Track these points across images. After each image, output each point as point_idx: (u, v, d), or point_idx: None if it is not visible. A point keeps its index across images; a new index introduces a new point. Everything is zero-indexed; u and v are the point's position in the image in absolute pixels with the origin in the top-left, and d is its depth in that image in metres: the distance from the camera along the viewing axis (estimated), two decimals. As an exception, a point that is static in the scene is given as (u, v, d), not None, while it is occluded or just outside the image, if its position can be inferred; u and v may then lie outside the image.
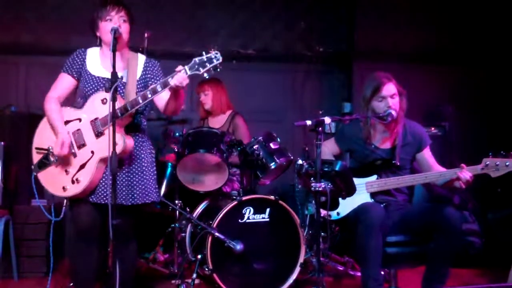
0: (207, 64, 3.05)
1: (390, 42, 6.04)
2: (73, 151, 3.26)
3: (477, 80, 6.11)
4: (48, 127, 3.35)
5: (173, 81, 3.08)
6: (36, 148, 3.36)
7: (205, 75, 3.09)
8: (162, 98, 3.33)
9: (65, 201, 3.41)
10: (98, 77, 3.33)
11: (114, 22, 3.23)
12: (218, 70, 3.09)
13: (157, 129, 4.98)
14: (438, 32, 6.07)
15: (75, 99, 3.41)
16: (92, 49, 3.42)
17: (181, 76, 3.07)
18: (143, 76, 3.42)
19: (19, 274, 4.58)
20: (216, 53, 3.06)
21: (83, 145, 3.26)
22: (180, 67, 3.10)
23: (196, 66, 3.06)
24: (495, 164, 3.40)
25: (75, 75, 3.37)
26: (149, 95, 3.16)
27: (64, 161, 3.27)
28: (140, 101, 3.17)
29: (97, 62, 3.38)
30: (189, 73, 3.06)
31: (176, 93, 3.22)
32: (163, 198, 4.47)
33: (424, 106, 5.66)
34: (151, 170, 3.47)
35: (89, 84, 3.31)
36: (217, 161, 4.27)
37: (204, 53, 3.08)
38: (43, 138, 3.36)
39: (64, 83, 3.39)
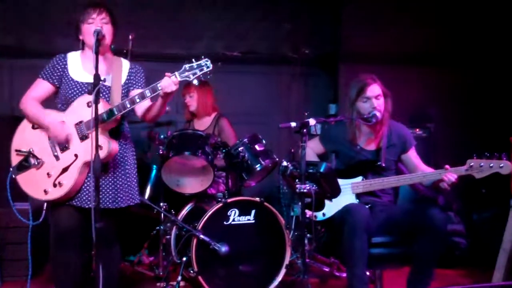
0: (197, 71, 3.11)
1: (375, 44, 6.05)
2: (55, 154, 3.24)
3: (462, 82, 6.13)
4: (28, 128, 3.32)
5: (163, 87, 3.10)
6: (16, 150, 3.30)
7: (195, 81, 3.15)
8: (141, 105, 3.31)
9: (44, 204, 3.36)
10: (81, 82, 3.30)
11: (96, 24, 3.21)
12: (208, 77, 3.14)
13: (142, 132, 4.96)
14: (423, 35, 6.08)
15: (55, 105, 3.38)
16: (73, 53, 3.39)
17: (170, 82, 3.09)
18: (127, 82, 3.41)
19: (2, 278, 4.54)
20: (207, 61, 3.12)
21: (67, 148, 3.23)
22: (169, 74, 3.12)
23: (186, 73, 3.11)
24: (479, 165, 3.42)
25: (55, 82, 3.33)
26: (137, 100, 3.16)
27: (46, 164, 3.24)
28: (128, 106, 3.16)
29: (78, 67, 3.35)
30: (179, 79, 3.10)
31: (164, 99, 3.21)
32: (148, 200, 4.45)
33: (410, 107, 5.69)
34: (134, 172, 3.46)
35: (72, 90, 3.28)
36: (202, 164, 4.26)
37: (194, 60, 3.13)
38: (23, 140, 3.31)
39: (41, 89, 3.35)
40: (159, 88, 3.11)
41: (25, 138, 3.31)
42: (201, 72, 3.11)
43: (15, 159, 3.30)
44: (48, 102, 3.40)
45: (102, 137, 3.04)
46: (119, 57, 3.47)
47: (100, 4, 3.28)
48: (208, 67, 3.11)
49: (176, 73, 3.11)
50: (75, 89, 3.28)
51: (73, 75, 3.32)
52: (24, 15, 5.59)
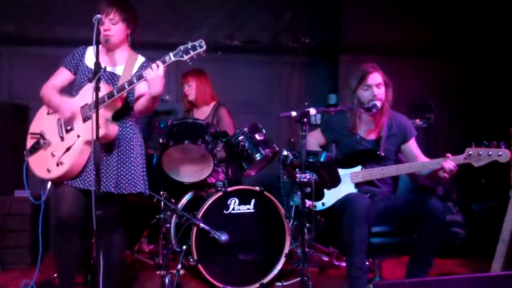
0: (190, 51, 3.20)
1: (376, 35, 6.04)
2: (61, 135, 3.35)
3: (461, 73, 6.14)
4: (44, 114, 3.47)
5: (147, 73, 3.21)
6: (30, 133, 3.47)
7: (189, 62, 3.22)
8: (137, 92, 3.43)
9: (49, 184, 3.49)
10: (92, 68, 3.33)
11: (105, 26, 3.31)
12: (202, 54, 3.21)
13: (142, 120, 4.94)
14: (424, 25, 6.08)
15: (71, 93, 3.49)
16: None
17: (152, 69, 3.19)
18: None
19: (3, 265, 4.55)
20: (201, 41, 3.21)
21: (71, 129, 3.34)
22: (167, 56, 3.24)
23: (180, 53, 3.21)
24: (477, 153, 3.41)
25: (72, 69, 3.49)
26: (135, 80, 3.26)
27: (52, 145, 3.35)
28: (126, 86, 3.27)
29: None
30: (173, 59, 3.22)
31: (150, 90, 3.26)
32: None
33: (410, 98, 5.68)
34: (140, 161, 3.51)
35: (84, 75, 3.41)
36: (202, 152, 4.25)
37: (189, 41, 3.22)
38: (38, 125, 3.48)
39: (60, 75, 3.51)
40: (144, 75, 3.22)
41: (39, 123, 3.48)
42: (194, 52, 3.19)
43: (29, 143, 3.46)
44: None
45: (101, 118, 3.11)
46: (137, 53, 3.55)
47: (110, 3, 3.34)
48: (201, 47, 3.19)
49: (171, 53, 3.23)
50: (87, 74, 3.36)
51: (88, 63, 3.46)
52: (24, 3, 5.58)
